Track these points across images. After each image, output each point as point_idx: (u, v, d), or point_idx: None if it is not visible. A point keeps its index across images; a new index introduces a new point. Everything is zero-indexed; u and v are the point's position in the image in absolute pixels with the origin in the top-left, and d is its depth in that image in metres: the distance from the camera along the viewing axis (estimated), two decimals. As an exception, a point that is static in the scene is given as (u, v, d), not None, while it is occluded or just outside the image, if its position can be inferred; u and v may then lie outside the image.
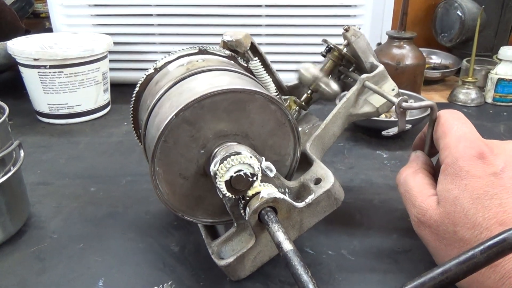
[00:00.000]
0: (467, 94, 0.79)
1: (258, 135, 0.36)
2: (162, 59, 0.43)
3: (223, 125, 0.34)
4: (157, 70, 0.43)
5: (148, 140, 0.37)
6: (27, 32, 0.89)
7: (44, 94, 0.68)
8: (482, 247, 0.23)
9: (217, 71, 0.38)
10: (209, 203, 0.37)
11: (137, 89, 0.43)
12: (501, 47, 0.79)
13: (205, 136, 0.35)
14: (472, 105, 0.79)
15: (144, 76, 0.43)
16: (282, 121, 0.36)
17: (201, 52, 0.43)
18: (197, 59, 0.41)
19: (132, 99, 0.44)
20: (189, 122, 0.34)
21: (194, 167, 0.36)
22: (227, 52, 0.44)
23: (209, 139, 0.35)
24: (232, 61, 0.44)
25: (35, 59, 0.65)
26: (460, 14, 0.89)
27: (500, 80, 0.78)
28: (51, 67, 0.66)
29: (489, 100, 0.80)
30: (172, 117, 0.33)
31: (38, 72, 0.67)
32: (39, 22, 0.92)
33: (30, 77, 0.68)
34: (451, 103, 0.80)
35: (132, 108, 0.45)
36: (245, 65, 0.45)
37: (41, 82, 0.67)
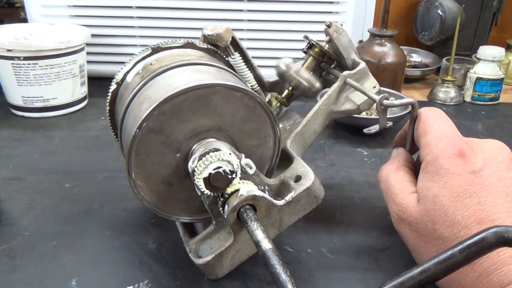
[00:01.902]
0: (447, 93, 0.80)
1: (231, 125, 0.35)
2: (120, 70, 0.41)
3: (191, 125, 0.34)
4: (119, 84, 0.41)
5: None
6: (0, 22, 0.86)
7: (18, 87, 0.66)
8: (461, 246, 0.23)
9: (174, 70, 0.37)
10: (201, 200, 0.37)
11: (107, 107, 0.42)
12: (480, 47, 0.80)
13: (176, 139, 0.34)
14: (451, 103, 0.79)
15: (109, 94, 0.42)
16: (251, 105, 0.35)
17: (155, 51, 0.41)
18: (151, 61, 0.40)
19: (108, 118, 0.43)
20: (155, 131, 0.33)
21: (175, 171, 0.35)
22: (181, 41, 0.42)
23: (182, 142, 0.34)
24: (189, 49, 0.42)
25: (8, 50, 0.63)
26: (441, 13, 0.90)
27: (478, 79, 0.79)
28: (26, 58, 0.64)
29: (468, 99, 0.81)
30: (136, 131, 0.32)
31: (12, 64, 0.64)
32: (13, 12, 0.89)
33: (3, 69, 0.66)
34: (431, 102, 0.80)
35: (111, 127, 0.44)
36: (205, 46, 0.43)
37: (15, 74, 0.65)
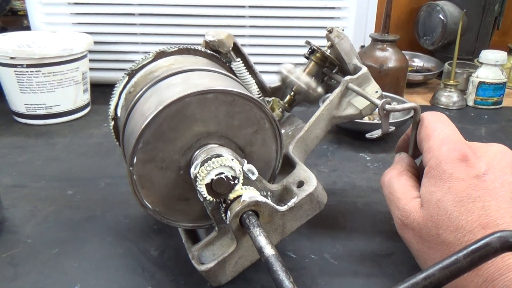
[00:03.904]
0: (449, 97, 0.80)
1: (218, 125, 0.34)
2: (110, 106, 0.42)
3: (180, 142, 0.34)
4: (114, 119, 0.42)
5: None
6: (4, 30, 0.86)
7: (21, 94, 0.66)
8: (465, 251, 0.23)
9: (147, 92, 0.37)
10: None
11: (117, 143, 0.43)
12: (482, 51, 0.80)
13: (172, 160, 0.34)
14: (454, 108, 0.79)
15: (112, 131, 0.43)
16: (229, 99, 0.34)
17: (131, 76, 0.41)
18: (129, 89, 0.40)
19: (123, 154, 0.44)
20: (148, 161, 0.33)
21: (185, 186, 0.35)
22: (151, 55, 0.41)
23: (179, 159, 0.34)
24: (161, 60, 0.41)
25: (11, 58, 0.63)
26: (442, 18, 0.90)
27: (481, 83, 0.78)
28: (29, 66, 0.64)
29: (471, 103, 0.80)
30: (130, 168, 0.33)
31: (15, 71, 0.65)
32: (16, 20, 0.90)
33: (6, 76, 0.66)
34: (433, 106, 0.80)
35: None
36: (176, 48, 0.42)
37: (18, 82, 0.65)
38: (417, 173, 0.39)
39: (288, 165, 0.39)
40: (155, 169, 0.34)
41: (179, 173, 0.35)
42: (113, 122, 0.42)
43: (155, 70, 0.40)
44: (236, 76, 0.44)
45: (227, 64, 0.44)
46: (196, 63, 0.40)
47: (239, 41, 0.45)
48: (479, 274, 0.29)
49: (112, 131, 0.43)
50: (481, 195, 0.31)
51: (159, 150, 0.33)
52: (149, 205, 0.35)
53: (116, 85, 0.41)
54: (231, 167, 0.32)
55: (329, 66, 0.46)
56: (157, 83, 0.37)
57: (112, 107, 0.42)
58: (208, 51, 0.43)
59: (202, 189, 0.32)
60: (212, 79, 0.36)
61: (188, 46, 0.42)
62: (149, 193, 0.34)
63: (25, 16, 0.84)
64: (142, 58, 0.41)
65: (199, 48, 0.43)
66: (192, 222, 0.37)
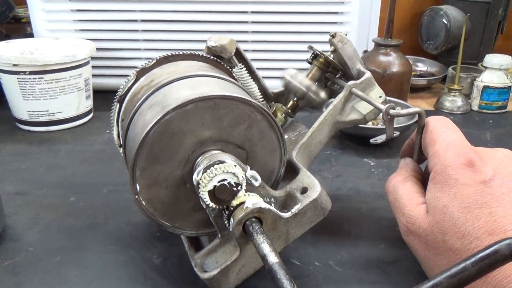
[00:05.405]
0: (453, 102, 0.79)
1: (209, 131, 0.34)
2: (113, 135, 0.42)
3: (177, 158, 0.33)
4: (121, 146, 0.42)
5: None
6: (7, 37, 0.86)
7: (23, 101, 0.66)
8: (473, 259, 0.23)
9: (135, 117, 0.37)
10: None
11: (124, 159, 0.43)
12: (486, 55, 0.79)
13: (175, 177, 0.34)
14: (458, 112, 0.79)
15: (124, 157, 0.43)
16: (211, 104, 0.33)
17: (121, 101, 0.41)
18: (121, 117, 0.41)
19: None
20: (152, 184, 0.33)
21: (197, 197, 0.34)
22: (132, 76, 0.41)
23: (181, 174, 0.34)
24: (142, 79, 0.41)
25: (14, 65, 0.64)
26: (446, 22, 0.90)
27: (485, 87, 0.78)
28: (31, 73, 0.64)
29: (475, 107, 0.80)
30: (135, 197, 0.33)
31: (18, 78, 0.65)
32: (20, 27, 0.90)
33: (9, 83, 0.66)
34: (438, 111, 0.80)
35: None
36: (154, 60, 0.41)
37: (21, 89, 0.65)
38: (422, 179, 0.38)
39: (291, 171, 0.38)
40: (160, 190, 0.34)
41: (186, 187, 0.34)
42: (121, 149, 0.42)
43: (138, 92, 0.40)
44: (234, 78, 0.43)
45: (229, 68, 0.44)
46: (174, 72, 0.39)
47: (242, 47, 0.45)
48: (486, 282, 0.28)
49: (122, 154, 0.43)
50: (488, 201, 0.31)
51: (158, 172, 0.33)
52: (167, 223, 0.35)
53: (111, 114, 0.42)
54: (233, 174, 0.32)
55: (332, 71, 0.46)
56: (140, 106, 0.37)
57: (115, 136, 0.42)
58: (187, 52, 0.43)
59: (204, 195, 0.32)
60: (191, 87, 0.35)
61: (167, 54, 0.42)
62: (163, 213, 0.35)
63: (28, 23, 0.85)
64: (125, 81, 0.41)
65: (177, 52, 0.42)
66: (209, 228, 0.37)
